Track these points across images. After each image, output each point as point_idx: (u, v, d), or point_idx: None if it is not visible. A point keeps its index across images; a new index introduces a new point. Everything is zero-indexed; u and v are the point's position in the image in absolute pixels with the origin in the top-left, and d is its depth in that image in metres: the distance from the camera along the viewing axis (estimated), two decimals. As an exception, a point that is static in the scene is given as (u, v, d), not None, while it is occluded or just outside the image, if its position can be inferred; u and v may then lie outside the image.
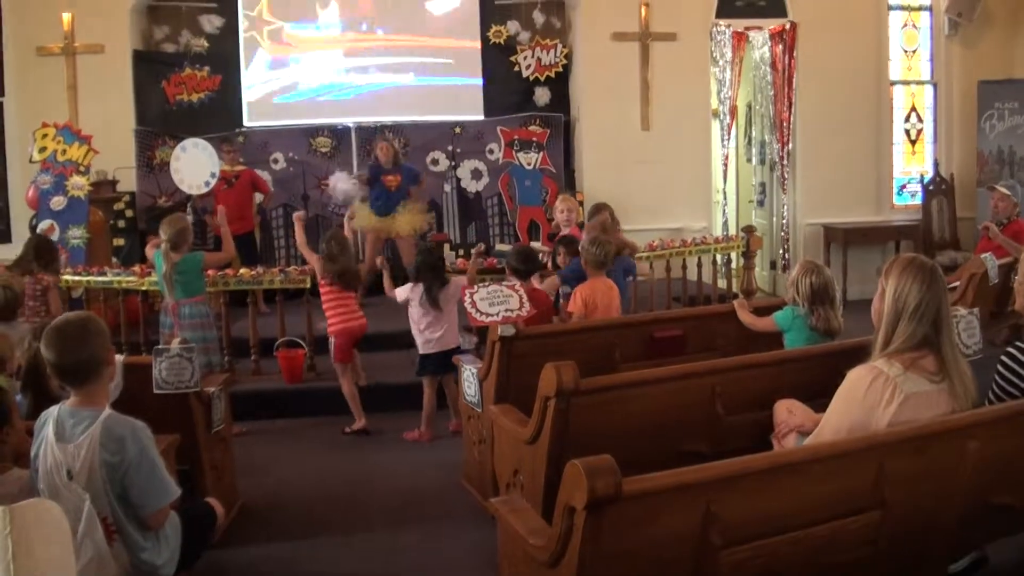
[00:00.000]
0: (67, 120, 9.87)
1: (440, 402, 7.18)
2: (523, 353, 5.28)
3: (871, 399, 3.39)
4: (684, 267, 9.31)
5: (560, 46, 11.82)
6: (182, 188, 9.53)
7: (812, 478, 3.19)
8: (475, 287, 5.65)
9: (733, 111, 12.19)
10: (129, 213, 10.72)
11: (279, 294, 8.16)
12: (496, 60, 11.83)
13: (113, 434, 3.47)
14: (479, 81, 11.80)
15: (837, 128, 11.93)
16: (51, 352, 3.53)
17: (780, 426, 4.27)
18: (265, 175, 10.83)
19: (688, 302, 9.10)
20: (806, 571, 3.25)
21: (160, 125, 11.05)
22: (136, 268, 8.27)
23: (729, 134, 12.25)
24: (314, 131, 11.37)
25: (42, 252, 7.34)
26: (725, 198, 12.60)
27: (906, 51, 12.61)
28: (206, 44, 11.43)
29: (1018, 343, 4.05)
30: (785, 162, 12.04)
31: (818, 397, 4.02)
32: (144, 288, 8.11)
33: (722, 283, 9.67)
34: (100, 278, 8.20)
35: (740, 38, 11.89)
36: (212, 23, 11.40)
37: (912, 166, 12.76)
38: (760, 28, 11.99)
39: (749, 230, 9.46)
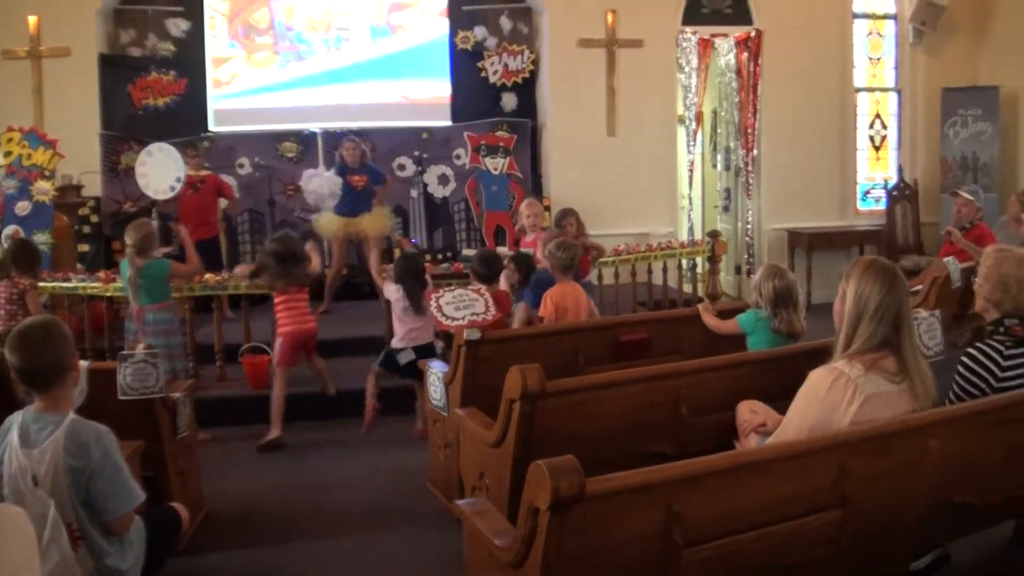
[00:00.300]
0: (33, 124, 9.80)
1: (407, 406, 7.19)
2: (489, 357, 5.28)
3: (832, 399, 3.42)
4: (650, 272, 9.34)
5: (527, 52, 11.84)
6: (147, 193, 9.42)
7: (774, 477, 3.22)
8: (441, 291, 5.64)
9: (699, 117, 12.25)
10: (94, 218, 10.65)
11: (244, 300, 8.13)
12: (463, 66, 11.84)
13: (77, 439, 3.46)
14: (446, 87, 11.80)
15: (802, 134, 12.03)
16: (15, 356, 3.52)
17: (743, 426, 4.31)
18: (231, 180, 10.79)
19: (654, 306, 9.14)
20: (768, 569, 3.27)
21: (126, 129, 10.98)
22: (101, 274, 8.18)
23: (695, 140, 12.31)
24: (280, 136, 11.33)
25: (22, 255, 7.29)
26: (691, 203, 12.67)
27: (871, 59, 12.74)
28: (172, 48, 11.35)
29: (978, 344, 4.11)
30: (750, 168, 12.12)
31: (781, 398, 4.04)
32: (109, 294, 8.04)
33: (688, 288, 9.72)
34: (65, 284, 8.12)
35: (706, 45, 11.95)
36: (179, 27, 11.33)
37: (876, 172, 12.90)
38: (726, 35, 12.07)
39: (714, 235, 9.51)
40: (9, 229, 8.87)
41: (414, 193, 11.50)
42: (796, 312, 5.33)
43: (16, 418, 3.56)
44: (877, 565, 3.59)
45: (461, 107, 11.83)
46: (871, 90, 12.78)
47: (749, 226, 12.25)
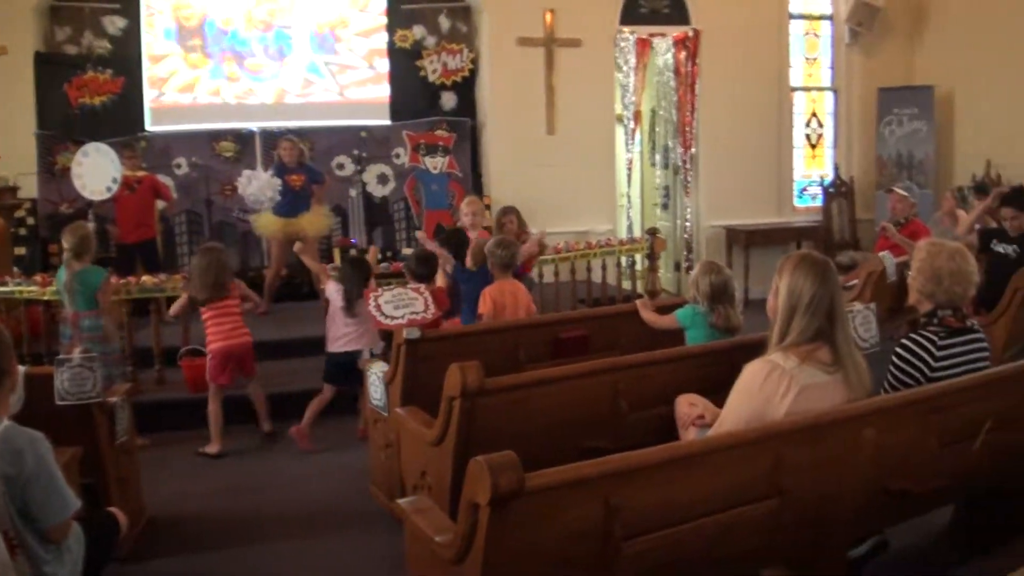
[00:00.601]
0: (-33, 124, 9.64)
1: (349, 407, 7.16)
2: (429, 355, 5.27)
3: (767, 391, 3.46)
4: (589, 269, 9.38)
5: (466, 51, 11.85)
6: (83, 194, 9.28)
7: (711, 469, 3.24)
8: (380, 290, 5.62)
9: (637, 116, 12.34)
10: (31, 220, 10.48)
11: (183, 302, 8.05)
12: (402, 65, 11.82)
13: (11, 445, 3.39)
14: (385, 85, 11.78)
15: (739, 133, 12.16)
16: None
17: (682, 419, 4.34)
18: (168, 181, 10.66)
19: (593, 304, 9.17)
20: (707, 559, 3.30)
21: (62, 129, 10.80)
22: (38, 277, 8.03)
23: (633, 139, 12.41)
24: (218, 136, 11.22)
25: None
26: (629, 201, 12.76)
27: (807, 58, 12.92)
28: (109, 46, 11.19)
29: (912, 335, 4.17)
30: (688, 166, 12.23)
31: (719, 391, 4.06)
32: (46, 298, 7.89)
33: (627, 285, 9.77)
34: (1, 288, 7.96)
35: (644, 44, 12.05)
36: (115, 24, 11.18)
37: (813, 169, 13.08)
38: (664, 35, 12.18)
39: (653, 232, 9.59)
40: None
41: (353, 193, 11.44)
42: (733, 307, 5.40)
43: (-49, 425, 3.50)
44: (815, 554, 3.62)
45: (400, 106, 11.80)
46: (807, 89, 12.96)
47: (688, 223, 12.36)
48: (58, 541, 3.55)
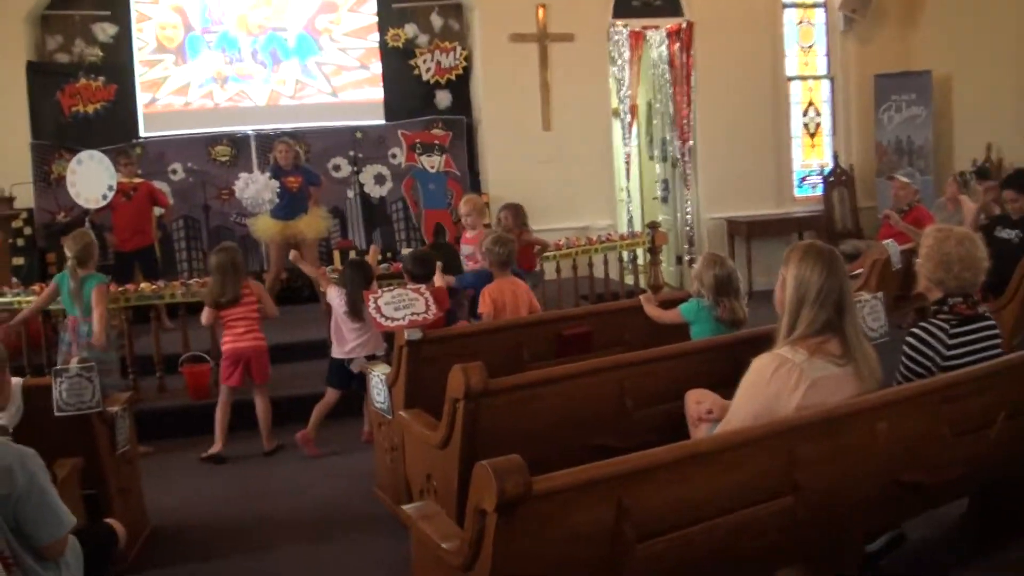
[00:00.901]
0: (-39, 135, 9.59)
1: (353, 410, 7.11)
2: (431, 357, 5.21)
3: (776, 386, 3.41)
4: (591, 265, 9.35)
5: (459, 48, 11.79)
6: (78, 202, 9.20)
7: (722, 467, 3.19)
8: (379, 291, 5.55)
9: (633, 110, 12.30)
10: (28, 231, 10.41)
11: (182, 308, 7.98)
12: (395, 64, 11.76)
13: (1, 463, 3.33)
14: (379, 86, 11.72)
15: (737, 124, 12.13)
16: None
17: (692, 416, 4.28)
18: (164, 186, 10.60)
19: (596, 300, 9.11)
20: (722, 559, 3.24)
21: (56, 138, 10.72)
22: (37, 287, 7.93)
23: (630, 132, 12.38)
24: (213, 140, 11.15)
25: None
26: (629, 196, 12.72)
27: (802, 47, 12.86)
28: (100, 53, 11.12)
29: (923, 324, 4.11)
30: (687, 158, 12.19)
31: (726, 386, 4.01)
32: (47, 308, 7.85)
33: (629, 280, 9.72)
34: (0, 299, 7.91)
35: (637, 38, 12.00)
36: (106, 31, 11.10)
37: (812, 159, 13.04)
38: (657, 27, 12.15)
39: (654, 226, 9.53)
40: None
41: (350, 194, 11.38)
42: (738, 300, 5.32)
43: (-59, 441, 3.44)
44: (832, 549, 3.59)
45: (394, 106, 11.75)
46: (804, 78, 12.91)
47: (688, 216, 12.32)
48: (55, 558, 3.49)
